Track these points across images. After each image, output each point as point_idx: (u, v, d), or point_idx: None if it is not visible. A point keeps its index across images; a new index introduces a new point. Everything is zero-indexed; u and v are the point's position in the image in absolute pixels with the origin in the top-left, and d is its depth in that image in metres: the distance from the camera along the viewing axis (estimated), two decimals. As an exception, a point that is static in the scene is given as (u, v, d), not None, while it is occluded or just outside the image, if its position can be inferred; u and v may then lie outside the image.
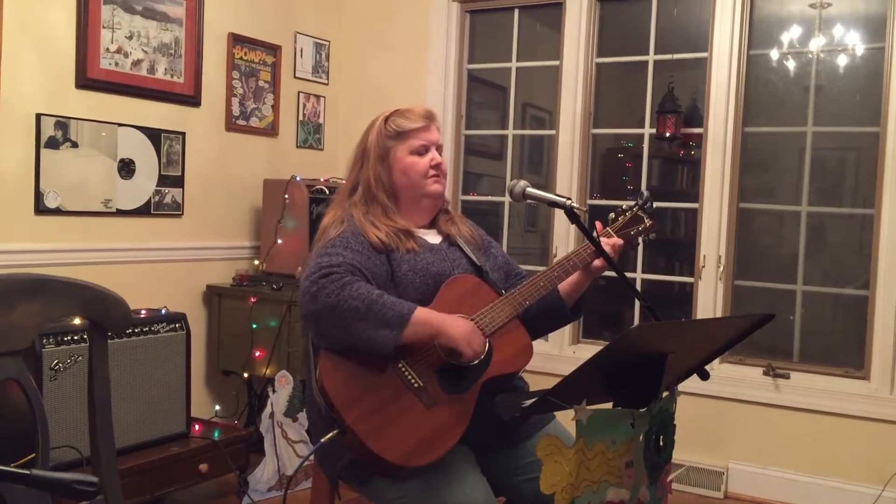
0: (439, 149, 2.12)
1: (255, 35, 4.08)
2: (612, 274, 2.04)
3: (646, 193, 2.17)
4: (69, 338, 2.81)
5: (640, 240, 2.18)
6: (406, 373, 1.85)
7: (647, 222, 2.16)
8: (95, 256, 3.39)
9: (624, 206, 2.19)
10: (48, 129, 3.20)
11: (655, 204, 2.19)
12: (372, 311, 1.78)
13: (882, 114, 3.48)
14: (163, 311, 3.26)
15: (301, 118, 4.40)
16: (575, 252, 2.08)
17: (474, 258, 2.11)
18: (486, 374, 1.92)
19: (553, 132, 4.21)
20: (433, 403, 1.84)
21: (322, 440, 1.81)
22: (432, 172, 2.07)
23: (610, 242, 2.10)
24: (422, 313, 1.83)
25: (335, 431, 1.80)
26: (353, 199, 2.07)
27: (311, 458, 2.06)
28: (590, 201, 4.12)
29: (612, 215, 2.18)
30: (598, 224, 2.18)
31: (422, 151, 2.07)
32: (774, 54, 3.75)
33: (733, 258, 3.77)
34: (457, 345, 1.86)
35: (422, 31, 4.42)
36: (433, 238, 2.11)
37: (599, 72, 4.11)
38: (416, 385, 1.84)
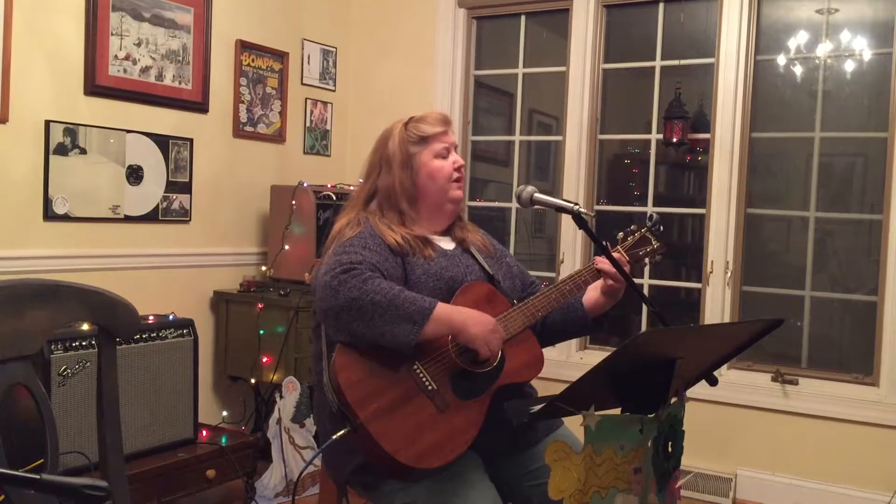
0: (455, 150, 2.14)
1: (262, 42, 4.09)
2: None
3: (655, 216, 2.19)
4: (77, 343, 2.82)
5: (646, 261, 2.19)
6: (420, 375, 1.85)
7: (655, 244, 2.18)
8: (103, 262, 3.40)
9: (633, 227, 2.20)
10: (57, 136, 3.22)
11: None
12: (394, 306, 1.78)
13: (890, 119, 3.47)
14: (170, 317, 3.27)
15: (308, 124, 4.41)
16: (586, 267, 2.10)
17: (486, 266, 2.12)
18: (497, 381, 1.92)
19: (560, 138, 4.21)
20: (446, 407, 1.84)
21: (333, 437, 1.81)
22: (455, 175, 2.09)
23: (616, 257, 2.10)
24: (443, 309, 1.84)
25: (346, 429, 1.80)
26: (370, 208, 2.08)
27: (320, 464, 2.06)
28: (596, 207, 4.12)
29: (621, 235, 2.20)
30: (607, 244, 2.18)
31: (444, 155, 2.09)
32: (781, 60, 3.75)
33: (741, 264, 3.76)
34: (475, 345, 1.87)
35: (429, 38, 4.43)
36: (447, 244, 2.12)
37: (606, 78, 4.11)
38: (429, 387, 1.85)
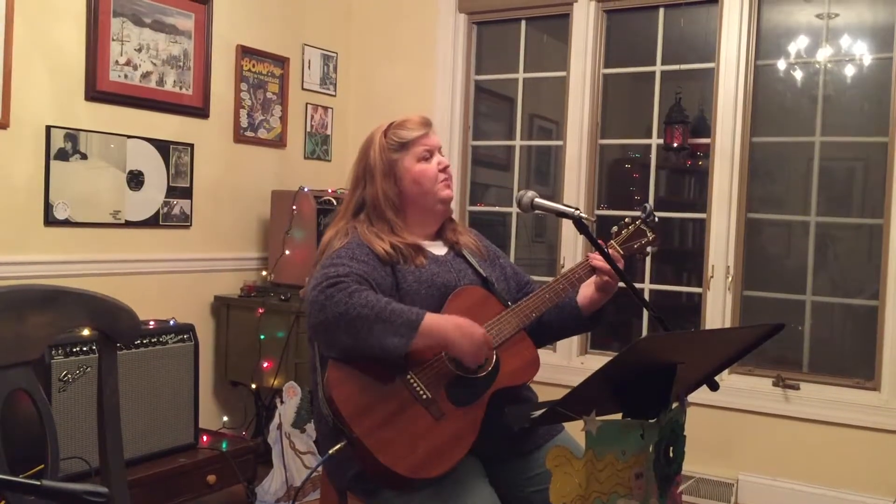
0: (440, 152, 2.12)
1: (263, 47, 4.10)
2: (621, 284, 2.04)
3: (648, 207, 2.16)
4: (78, 349, 2.82)
5: (646, 251, 2.18)
6: (415, 384, 1.84)
7: (650, 236, 2.16)
8: (104, 268, 3.40)
9: (627, 220, 2.18)
10: (58, 141, 3.22)
11: (663, 215, 2.19)
12: (381, 319, 1.77)
13: (890, 124, 3.47)
14: (171, 322, 3.26)
15: (309, 129, 4.42)
16: (579, 264, 2.09)
17: (480, 269, 2.10)
18: (494, 385, 1.91)
19: (560, 143, 4.21)
20: (442, 415, 1.83)
21: (330, 452, 1.80)
22: (442, 177, 2.08)
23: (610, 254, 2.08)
24: (430, 320, 1.82)
25: (343, 443, 1.79)
26: (359, 218, 2.06)
27: (320, 470, 2.06)
28: (597, 212, 4.12)
29: (615, 229, 2.18)
30: (600, 241, 2.17)
31: (427, 157, 2.07)
32: (782, 64, 3.75)
33: (742, 268, 3.76)
34: (463, 360, 1.87)
35: (429, 43, 4.43)
36: (439, 249, 2.11)
37: (606, 82, 4.12)
38: (424, 397, 1.84)
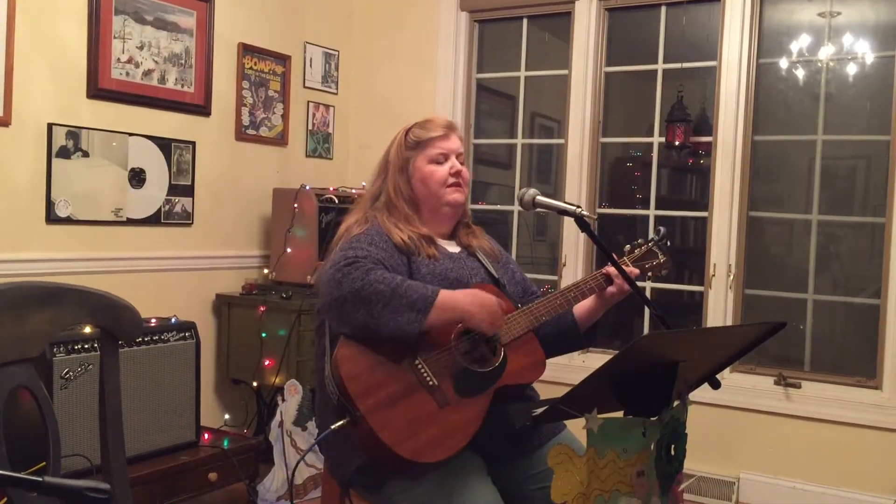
0: (459, 157, 2.14)
1: (264, 45, 4.10)
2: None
3: (662, 230, 2.21)
4: (80, 346, 2.82)
5: (660, 272, 2.20)
6: (422, 370, 1.86)
7: (661, 258, 2.19)
8: (106, 265, 3.40)
9: (639, 241, 2.22)
10: (60, 139, 3.22)
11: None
12: (397, 294, 1.80)
13: (892, 122, 3.47)
14: (173, 320, 3.26)
15: (310, 127, 4.42)
16: (591, 276, 2.12)
17: (492, 270, 2.13)
18: (499, 381, 1.93)
19: (562, 141, 4.21)
20: (446, 403, 1.85)
21: (332, 427, 1.81)
22: (452, 181, 2.10)
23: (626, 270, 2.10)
24: (446, 296, 1.85)
25: (346, 420, 1.80)
26: (377, 205, 2.11)
27: (322, 467, 2.06)
28: (598, 210, 4.12)
29: (628, 247, 2.22)
30: (613, 255, 2.19)
31: (440, 160, 2.10)
32: (784, 63, 3.75)
33: (743, 267, 3.76)
34: (480, 327, 1.89)
35: (431, 41, 4.43)
36: (452, 248, 2.14)
37: (608, 81, 4.11)
38: (430, 383, 1.85)
